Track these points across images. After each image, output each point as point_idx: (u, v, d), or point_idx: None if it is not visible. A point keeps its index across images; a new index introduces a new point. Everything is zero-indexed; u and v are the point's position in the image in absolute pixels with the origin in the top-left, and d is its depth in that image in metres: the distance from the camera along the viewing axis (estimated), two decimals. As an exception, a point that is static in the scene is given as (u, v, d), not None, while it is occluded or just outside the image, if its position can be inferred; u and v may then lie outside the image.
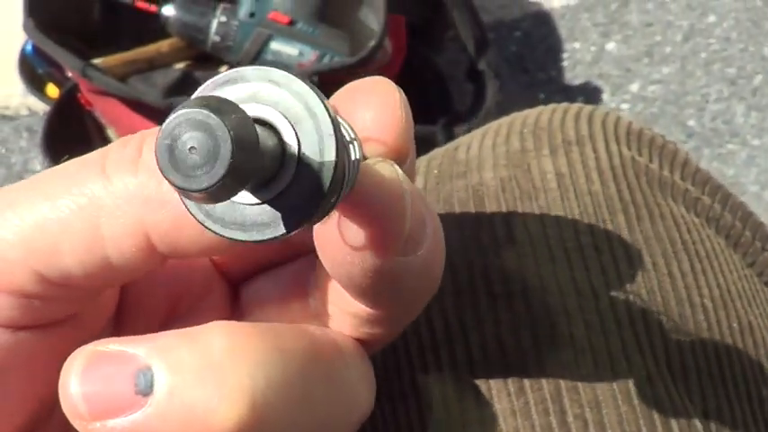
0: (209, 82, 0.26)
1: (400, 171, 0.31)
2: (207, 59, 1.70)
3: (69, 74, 1.72)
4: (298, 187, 0.25)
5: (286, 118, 0.25)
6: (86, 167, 0.33)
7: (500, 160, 0.49)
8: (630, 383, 0.42)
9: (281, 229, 0.25)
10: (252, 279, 0.41)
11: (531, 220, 0.45)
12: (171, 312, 0.40)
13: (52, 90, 1.84)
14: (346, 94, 0.33)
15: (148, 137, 0.33)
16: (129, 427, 0.29)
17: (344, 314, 0.36)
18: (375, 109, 0.33)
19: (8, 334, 0.34)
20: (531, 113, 0.53)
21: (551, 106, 0.54)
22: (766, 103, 1.92)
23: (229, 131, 0.22)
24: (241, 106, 0.24)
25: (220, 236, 0.26)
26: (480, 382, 0.42)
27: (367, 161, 0.31)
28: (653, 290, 0.44)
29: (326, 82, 1.54)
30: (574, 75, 1.97)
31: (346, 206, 0.30)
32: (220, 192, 0.23)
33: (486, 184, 0.47)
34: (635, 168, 0.49)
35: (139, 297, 0.39)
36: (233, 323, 0.31)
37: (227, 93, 0.26)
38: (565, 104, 0.54)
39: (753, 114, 1.91)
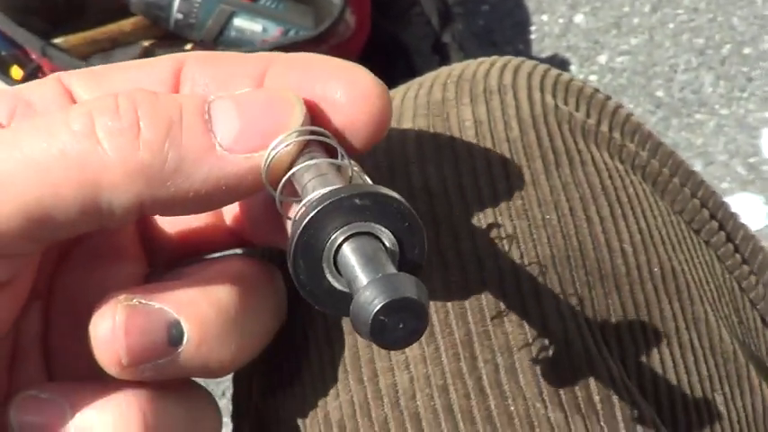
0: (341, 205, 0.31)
1: None
2: (170, 37, 1.68)
3: (33, 55, 1.70)
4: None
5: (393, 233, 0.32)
6: (72, 134, 0.33)
7: (420, 110, 0.48)
8: (543, 328, 0.41)
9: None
10: None
11: (446, 167, 0.45)
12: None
13: (16, 72, 1.82)
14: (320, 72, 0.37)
15: (142, 103, 0.34)
16: (157, 371, 0.35)
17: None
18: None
19: None
20: (458, 66, 0.52)
21: (481, 59, 0.53)
22: (734, 73, 1.92)
23: (428, 308, 0.29)
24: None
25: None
26: None
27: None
28: (569, 234, 0.43)
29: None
30: (541, 47, 1.96)
31: None
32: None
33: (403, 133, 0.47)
34: (557, 116, 0.48)
35: None
36: (235, 280, 0.37)
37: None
38: (495, 57, 0.53)
39: (721, 84, 1.90)
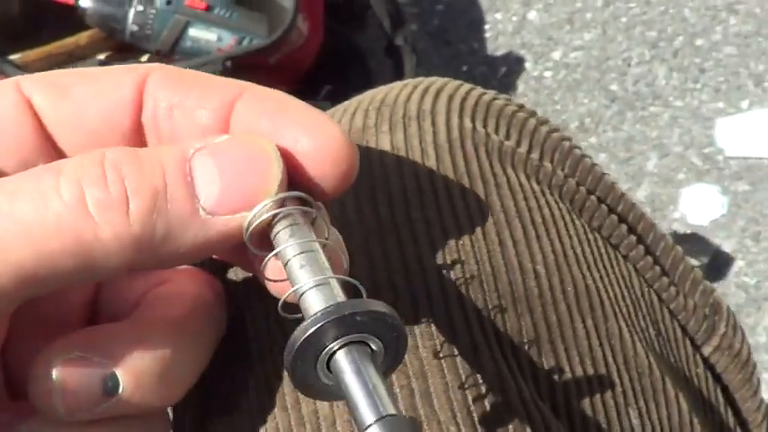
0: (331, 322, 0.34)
1: None
2: (126, 49, 1.69)
3: (-11, 71, 1.70)
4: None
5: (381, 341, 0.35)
6: (63, 204, 0.34)
7: None
8: (456, 352, 0.42)
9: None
10: None
11: (363, 198, 0.46)
12: None
13: (-26, 89, 1.82)
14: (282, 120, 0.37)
15: (128, 173, 0.34)
16: (93, 416, 0.36)
17: None
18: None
19: None
20: (383, 89, 0.53)
21: (405, 81, 0.54)
22: (687, 65, 1.94)
23: None
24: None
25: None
26: None
27: None
28: (482, 259, 0.45)
29: (243, 65, 1.54)
30: (496, 45, 1.97)
31: None
32: None
33: None
34: (474, 139, 0.49)
35: None
36: (174, 322, 0.39)
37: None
38: (420, 79, 0.54)
39: (674, 76, 1.92)
